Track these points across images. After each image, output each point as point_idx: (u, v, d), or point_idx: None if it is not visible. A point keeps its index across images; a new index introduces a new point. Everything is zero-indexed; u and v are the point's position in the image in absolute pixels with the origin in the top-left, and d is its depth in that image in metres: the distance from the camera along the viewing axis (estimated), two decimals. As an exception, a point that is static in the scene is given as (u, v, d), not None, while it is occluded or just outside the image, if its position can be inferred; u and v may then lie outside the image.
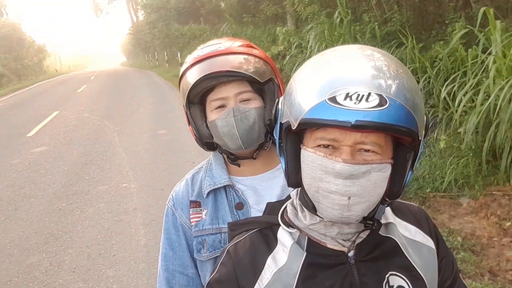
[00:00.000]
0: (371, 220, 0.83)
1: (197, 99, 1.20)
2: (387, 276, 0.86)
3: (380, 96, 0.71)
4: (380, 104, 0.71)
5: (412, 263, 0.88)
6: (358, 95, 0.71)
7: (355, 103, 0.71)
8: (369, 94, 0.71)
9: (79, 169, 6.65)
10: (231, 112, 1.13)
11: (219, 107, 1.16)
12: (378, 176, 0.76)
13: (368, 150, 0.76)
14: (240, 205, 1.22)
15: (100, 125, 9.93)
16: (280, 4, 12.07)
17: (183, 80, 1.20)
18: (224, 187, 1.24)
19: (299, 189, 0.88)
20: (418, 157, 0.82)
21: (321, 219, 0.83)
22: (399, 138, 0.80)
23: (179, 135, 8.19)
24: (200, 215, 1.24)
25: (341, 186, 0.75)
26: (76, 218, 4.82)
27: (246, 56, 1.17)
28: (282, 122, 0.84)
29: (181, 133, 8.21)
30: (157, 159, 6.84)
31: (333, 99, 0.72)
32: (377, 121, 0.70)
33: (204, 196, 1.24)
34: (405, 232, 0.92)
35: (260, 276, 0.87)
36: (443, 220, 3.72)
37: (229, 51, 1.16)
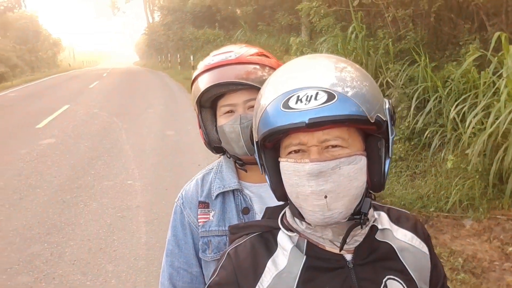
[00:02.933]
0: (358, 215, 0.84)
1: (209, 103, 1.25)
2: (384, 280, 0.88)
3: (328, 92, 0.77)
4: (329, 100, 0.76)
5: (407, 267, 0.90)
6: (307, 96, 0.77)
7: (305, 104, 0.76)
8: (317, 93, 0.77)
9: (86, 163, 6.70)
10: (238, 119, 1.17)
11: (228, 112, 1.20)
12: (350, 169, 0.80)
13: (335, 146, 0.80)
14: (247, 210, 1.25)
15: (109, 121, 10.00)
16: (295, 15, 12.14)
17: (194, 85, 1.24)
18: (233, 190, 1.26)
19: None
20: (391, 143, 0.86)
21: None
22: (366, 129, 0.83)
23: (186, 137, 8.23)
24: (208, 216, 1.27)
25: (315, 186, 0.78)
26: (80, 211, 4.86)
27: (256, 66, 1.19)
28: (254, 141, 0.90)
29: (189, 135, 8.25)
30: (163, 159, 6.88)
31: (286, 106, 0.78)
32: (328, 115, 0.76)
33: (213, 197, 1.27)
34: (402, 238, 0.94)
35: (260, 279, 0.88)
36: (445, 240, 3.71)
37: (238, 61, 1.19)
